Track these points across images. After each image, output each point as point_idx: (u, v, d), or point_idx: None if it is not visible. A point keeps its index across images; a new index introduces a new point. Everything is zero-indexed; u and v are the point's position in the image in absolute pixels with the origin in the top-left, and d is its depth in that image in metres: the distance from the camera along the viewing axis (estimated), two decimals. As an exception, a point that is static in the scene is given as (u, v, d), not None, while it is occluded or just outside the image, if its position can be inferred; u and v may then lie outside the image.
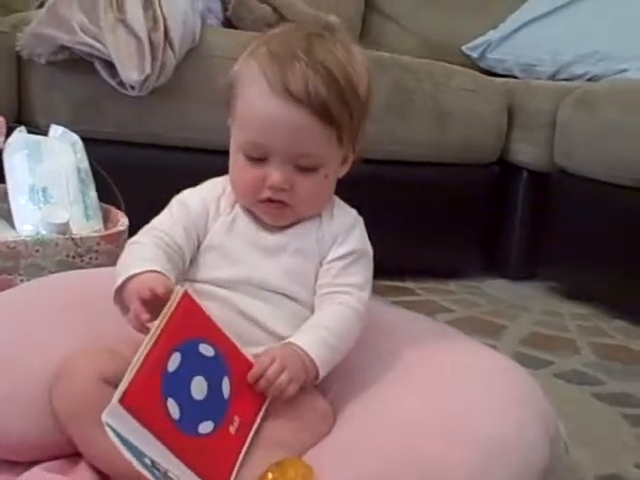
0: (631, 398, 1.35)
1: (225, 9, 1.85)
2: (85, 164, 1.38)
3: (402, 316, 1.00)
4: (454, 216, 2.03)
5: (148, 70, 1.45)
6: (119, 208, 1.38)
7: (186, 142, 1.67)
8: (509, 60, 2.44)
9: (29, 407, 0.77)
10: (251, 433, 0.71)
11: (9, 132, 1.35)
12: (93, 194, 1.37)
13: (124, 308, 0.75)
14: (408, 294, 1.92)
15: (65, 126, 1.42)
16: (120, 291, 0.75)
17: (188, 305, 0.69)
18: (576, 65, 2.29)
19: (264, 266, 0.81)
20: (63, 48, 1.47)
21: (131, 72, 1.45)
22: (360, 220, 0.86)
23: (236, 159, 0.80)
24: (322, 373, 0.77)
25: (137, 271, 0.74)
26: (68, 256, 1.22)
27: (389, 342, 0.88)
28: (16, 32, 1.52)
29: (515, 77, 2.38)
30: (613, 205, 1.83)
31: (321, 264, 0.83)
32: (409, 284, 2.00)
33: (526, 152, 2.06)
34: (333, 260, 0.82)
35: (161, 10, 1.48)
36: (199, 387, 0.67)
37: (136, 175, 1.54)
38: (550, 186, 2.02)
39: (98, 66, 1.50)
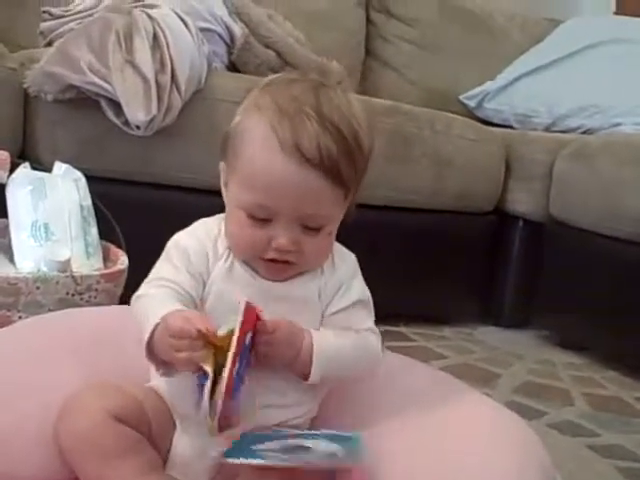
0: (625, 450, 1.35)
1: (230, 53, 1.87)
2: (88, 201, 1.39)
3: (402, 362, 0.99)
4: (449, 263, 2.04)
5: (154, 111, 1.47)
6: (119, 246, 1.39)
7: (189, 182, 1.67)
8: (506, 110, 2.47)
9: (28, 446, 0.76)
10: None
11: (13, 168, 1.36)
12: (94, 232, 1.38)
13: (158, 361, 0.72)
14: (402, 339, 1.92)
15: (69, 163, 1.42)
16: (151, 341, 0.71)
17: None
18: (571, 118, 2.33)
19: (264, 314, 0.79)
20: (71, 87, 1.49)
21: (137, 112, 1.46)
22: (357, 264, 0.85)
23: (236, 216, 0.76)
24: (314, 371, 0.76)
25: (164, 312, 0.70)
26: (68, 294, 1.22)
27: (390, 389, 0.88)
28: (23, 69, 1.54)
29: (511, 127, 2.42)
30: (607, 257, 1.85)
31: (323, 315, 0.81)
32: (403, 329, 2.00)
33: (522, 202, 2.08)
34: (338, 312, 0.81)
35: (169, 53, 1.50)
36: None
37: (138, 214, 1.54)
38: (545, 236, 2.04)
39: (104, 105, 1.51)
